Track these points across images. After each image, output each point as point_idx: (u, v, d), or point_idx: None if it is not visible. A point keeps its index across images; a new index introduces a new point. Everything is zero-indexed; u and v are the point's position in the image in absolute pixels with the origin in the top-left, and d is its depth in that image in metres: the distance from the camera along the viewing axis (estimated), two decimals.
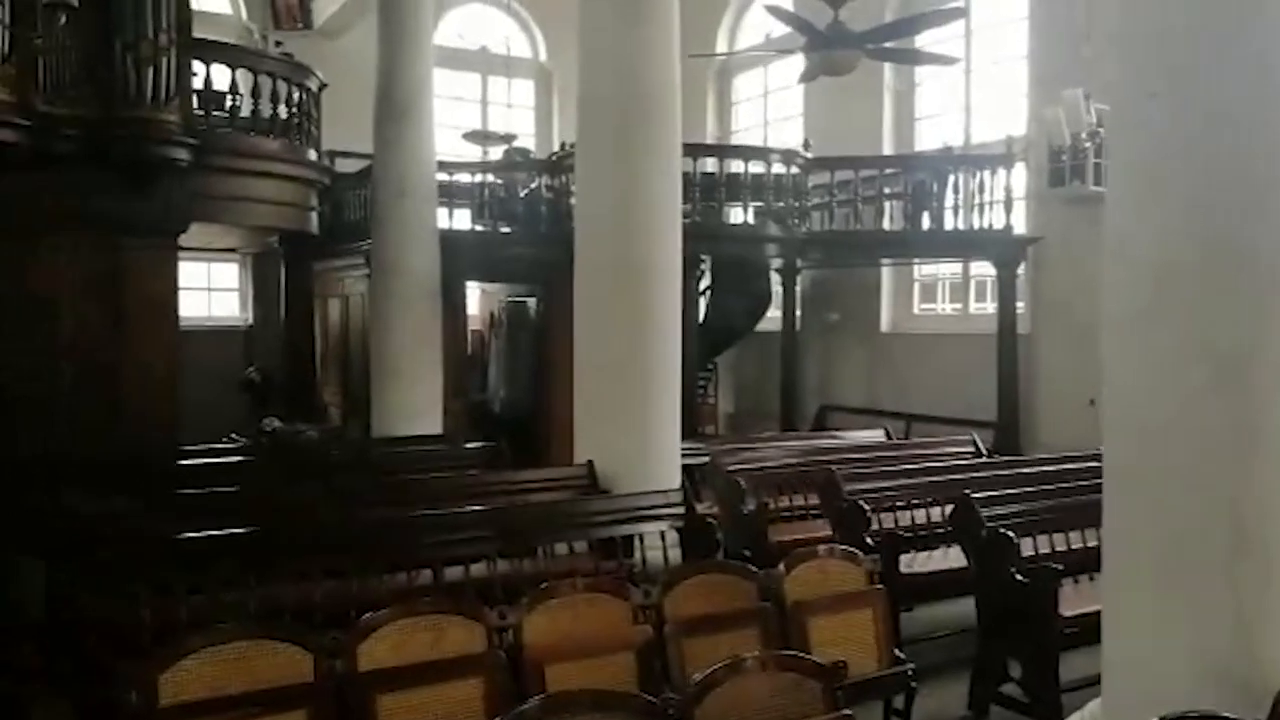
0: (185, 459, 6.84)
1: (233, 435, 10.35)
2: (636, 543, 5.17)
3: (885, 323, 11.60)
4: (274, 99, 8.72)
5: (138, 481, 5.65)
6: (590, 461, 5.72)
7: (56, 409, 7.70)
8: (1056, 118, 8.50)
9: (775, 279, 11.54)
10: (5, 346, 7.51)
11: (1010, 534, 4.55)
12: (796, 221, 9.78)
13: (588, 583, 3.59)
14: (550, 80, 14.34)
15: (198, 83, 8.11)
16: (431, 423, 9.20)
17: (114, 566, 3.91)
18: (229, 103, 8.45)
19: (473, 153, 11.97)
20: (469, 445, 6.98)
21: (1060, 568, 4.42)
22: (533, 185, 10.21)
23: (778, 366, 11.81)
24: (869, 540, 5.20)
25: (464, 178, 10.45)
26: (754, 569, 3.95)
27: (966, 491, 5.03)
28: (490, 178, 10.41)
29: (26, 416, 7.61)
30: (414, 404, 9.19)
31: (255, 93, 8.60)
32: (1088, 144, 8.40)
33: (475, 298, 12.29)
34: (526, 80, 14.39)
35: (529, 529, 4.72)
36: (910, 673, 3.92)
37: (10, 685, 5.26)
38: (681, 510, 4.99)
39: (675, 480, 5.95)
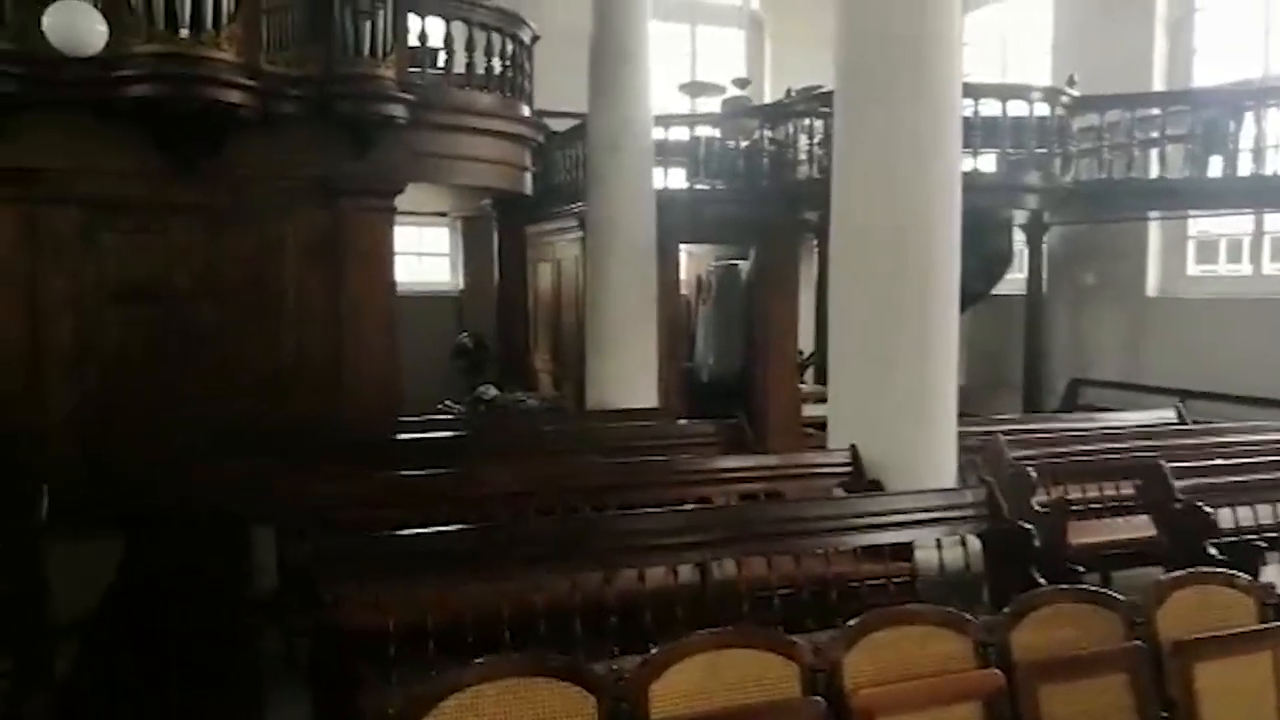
0: (403, 432, 6.49)
1: (446, 402, 10.20)
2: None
3: (1152, 286, 10.15)
4: (488, 52, 8.31)
5: (359, 456, 5.28)
6: (853, 447, 4.93)
7: (280, 377, 7.62)
8: None
9: (1017, 236, 10.33)
10: (231, 313, 7.47)
11: None
12: (1060, 169, 8.54)
13: (913, 612, 2.84)
14: (762, 28, 13.44)
15: (412, 38, 7.79)
16: (645, 392, 8.65)
17: (341, 556, 3.44)
18: (443, 57, 8.11)
19: (684, 108, 11.30)
20: (703, 421, 6.30)
21: None
22: (753, 136, 9.42)
23: (1019, 335, 10.61)
24: (1212, 550, 4.22)
25: (678, 134, 9.80)
26: (1116, 596, 3.08)
27: None
28: (707, 131, 9.69)
29: (251, 383, 7.56)
30: (628, 372, 8.65)
31: (470, 46, 8.22)
32: None
33: (682, 261, 11.68)
34: (736, 29, 13.55)
35: (784, 530, 3.94)
36: None
37: (247, 663, 5.07)
38: (985, 511, 4.13)
39: (952, 469, 5.11)
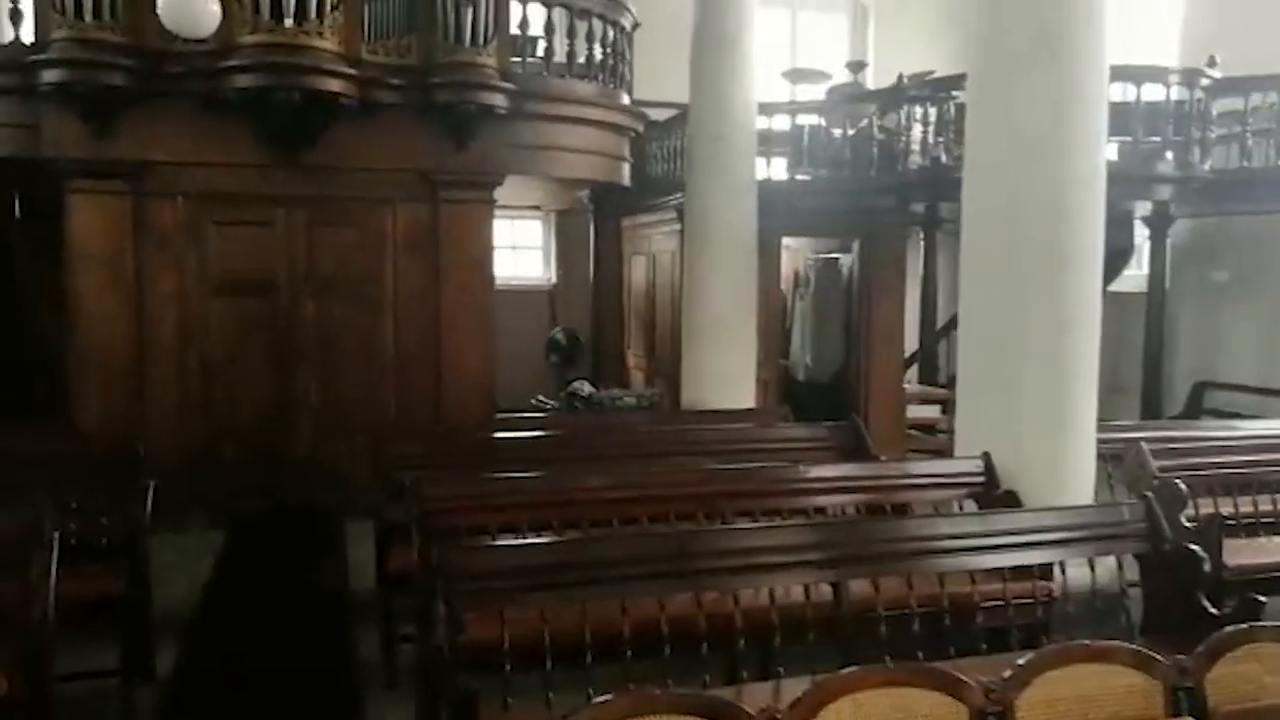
0: (500, 429, 6.31)
1: (540, 397, 10.08)
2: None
3: None
4: (589, 39, 8.11)
5: (458, 454, 5.12)
6: (986, 455, 4.57)
7: (380, 371, 7.56)
8: None
9: (1139, 229, 9.73)
10: (332, 307, 7.42)
11: None
12: (1199, 157, 7.95)
13: (1094, 649, 2.51)
14: (866, 14, 13.00)
15: (512, 26, 7.63)
16: (743, 391, 8.35)
17: (456, 567, 3.23)
18: (542, 45, 7.94)
19: (783, 96, 10.95)
20: (814, 424, 5.99)
21: None
22: (861, 124, 9.04)
23: (1137, 335, 9.99)
24: None
25: (779, 123, 9.47)
26: None
27: None
28: (810, 119, 9.34)
29: (350, 377, 7.51)
30: (726, 370, 8.36)
31: (571, 33, 8.04)
32: None
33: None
34: (838, 15, 13.14)
35: (922, 548, 3.60)
36: None
37: (346, 666, 4.96)
38: (1141, 530, 3.75)
39: (1090, 479, 4.71)
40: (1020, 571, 3.81)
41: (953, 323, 12.39)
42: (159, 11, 5.60)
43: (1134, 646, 2.54)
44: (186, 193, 7.09)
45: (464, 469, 5.01)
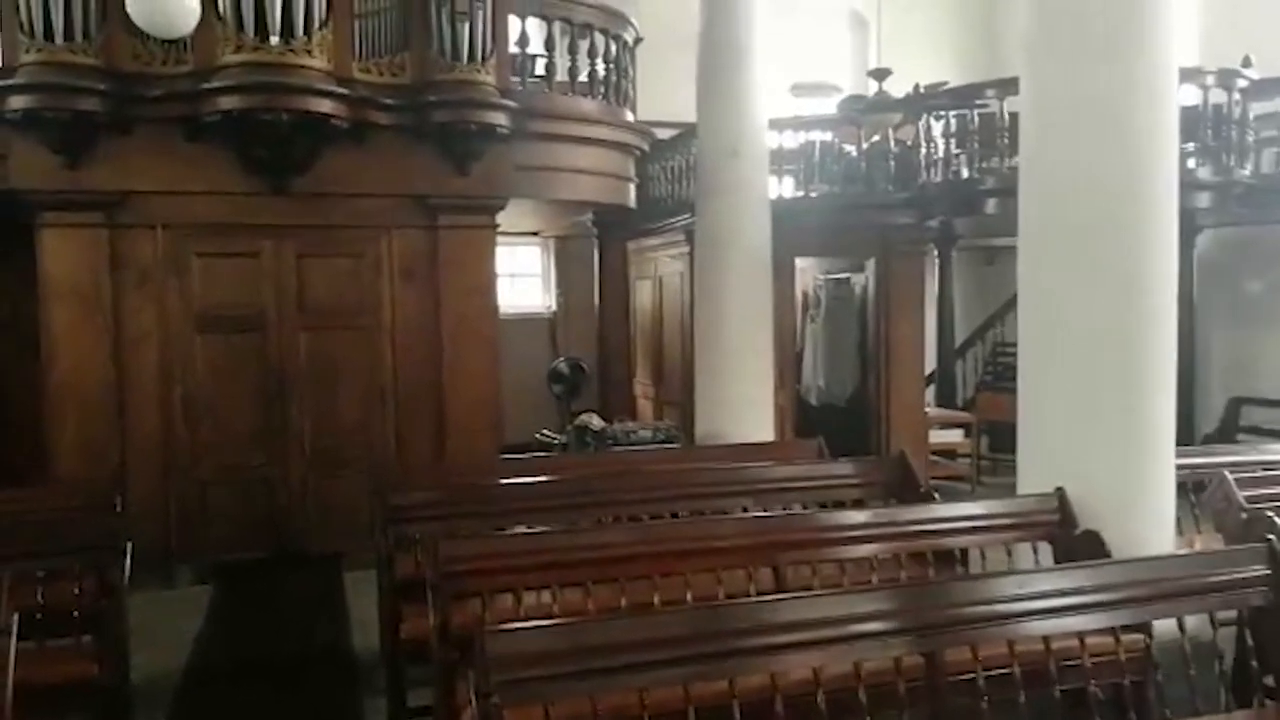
0: (508, 470, 5.83)
1: (545, 431, 9.61)
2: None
3: None
4: (591, 54, 7.72)
5: (467, 500, 4.63)
6: (1061, 491, 4.12)
7: (379, 408, 7.10)
8: None
9: None
10: (325, 340, 6.97)
11: None
12: (1234, 162, 7.57)
13: None
14: (866, 29, 12.66)
15: (511, 43, 7.23)
16: (763, 420, 7.92)
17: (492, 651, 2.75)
18: (543, 62, 7.54)
19: (788, 112, 10.58)
20: (857, 460, 5.54)
21: None
22: (874, 138, 8.65)
23: None
24: None
25: (789, 139, 9.10)
26: None
27: None
28: (821, 135, 8.96)
29: (347, 414, 7.05)
30: (744, 398, 7.90)
31: (572, 48, 7.65)
32: None
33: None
34: (835, 28, 12.81)
35: (1012, 611, 3.07)
36: None
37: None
38: (1265, 578, 3.29)
39: (1171, 515, 4.26)
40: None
41: (969, 342, 12.07)
42: (128, 9, 5.01)
43: None
44: (167, 224, 6.64)
45: (476, 519, 4.56)
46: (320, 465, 7.02)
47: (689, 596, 3.56)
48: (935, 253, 10.35)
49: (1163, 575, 3.26)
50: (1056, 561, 4.04)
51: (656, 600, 3.51)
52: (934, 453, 9.82)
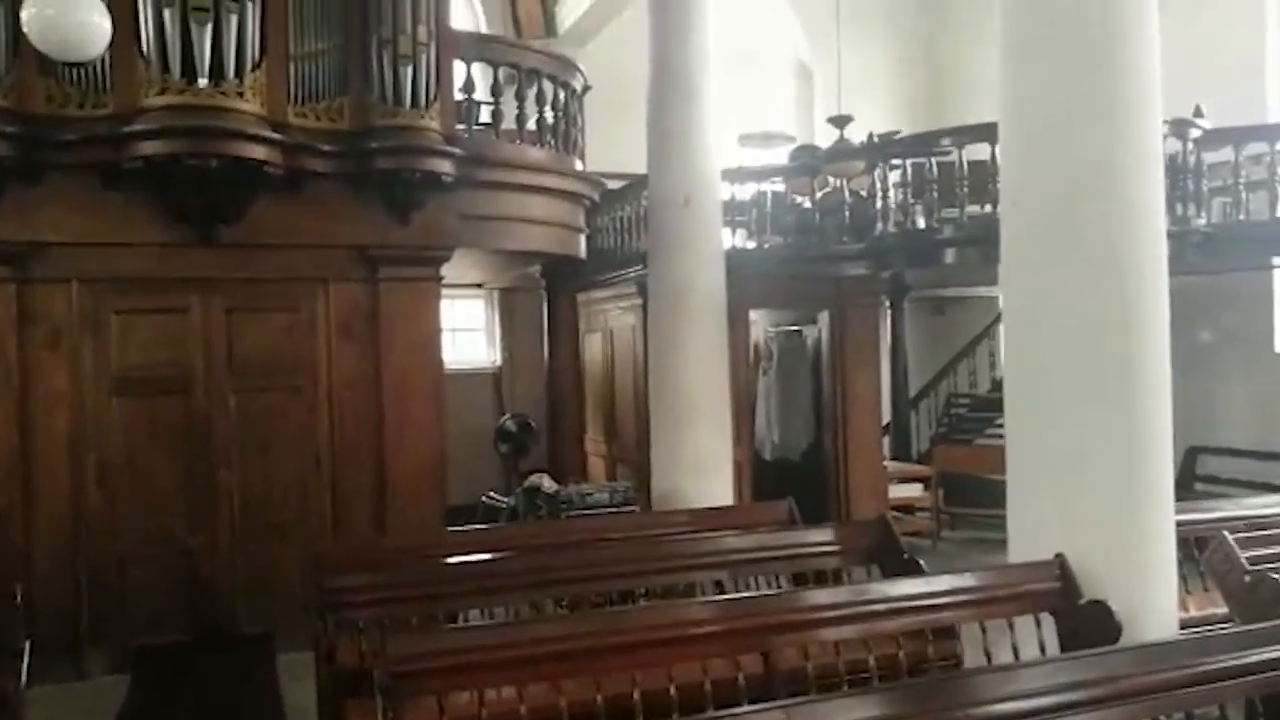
0: (457, 547, 5.31)
1: (491, 493, 9.15)
2: None
3: None
4: (539, 101, 7.44)
5: (412, 584, 4.19)
6: (1061, 559, 3.84)
7: (314, 475, 6.62)
8: None
9: None
10: (257, 403, 6.49)
11: None
12: (1194, 211, 7.54)
13: None
14: (811, 79, 12.68)
15: (456, 84, 6.93)
16: (722, 478, 7.60)
17: None
18: (489, 107, 7.24)
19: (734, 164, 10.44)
20: (838, 525, 5.23)
21: None
22: (826, 189, 8.51)
23: None
24: None
25: (742, 191, 8.91)
26: None
27: None
28: (772, 185, 8.79)
29: (280, 484, 6.56)
30: (702, 456, 7.56)
31: (520, 95, 7.37)
32: None
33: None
34: (783, 81, 12.78)
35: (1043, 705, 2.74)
36: None
37: None
38: None
39: (1173, 579, 4.02)
40: None
41: (923, 393, 11.95)
42: (25, 29, 4.37)
43: None
44: (83, 278, 6.13)
45: (424, 601, 4.13)
46: (250, 536, 6.50)
47: (673, 690, 3.18)
48: (887, 304, 10.22)
49: (1192, 661, 2.98)
50: (1061, 635, 3.76)
51: (636, 695, 3.12)
52: (897, 509, 9.58)
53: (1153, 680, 2.90)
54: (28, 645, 3.72)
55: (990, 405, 11.00)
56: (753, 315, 10.30)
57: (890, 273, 9.50)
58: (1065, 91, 3.89)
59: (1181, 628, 4.01)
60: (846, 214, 8.29)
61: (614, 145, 8.80)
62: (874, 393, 9.16)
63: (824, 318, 9.47)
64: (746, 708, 2.43)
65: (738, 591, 4.48)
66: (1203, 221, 7.56)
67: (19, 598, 4.11)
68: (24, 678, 3.63)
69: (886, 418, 10.55)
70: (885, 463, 9.80)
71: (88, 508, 6.16)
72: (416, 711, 3.06)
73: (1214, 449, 9.19)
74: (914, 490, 9.82)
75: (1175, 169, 7.22)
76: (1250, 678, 2.97)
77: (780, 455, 10.45)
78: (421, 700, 3.08)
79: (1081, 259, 3.95)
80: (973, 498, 9.86)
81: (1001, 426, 10.92)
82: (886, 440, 10.74)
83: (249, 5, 5.90)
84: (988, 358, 11.77)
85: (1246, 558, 4.22)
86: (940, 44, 12.78)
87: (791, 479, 9.71)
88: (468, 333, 11.49)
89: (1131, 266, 3.99)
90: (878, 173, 7.88)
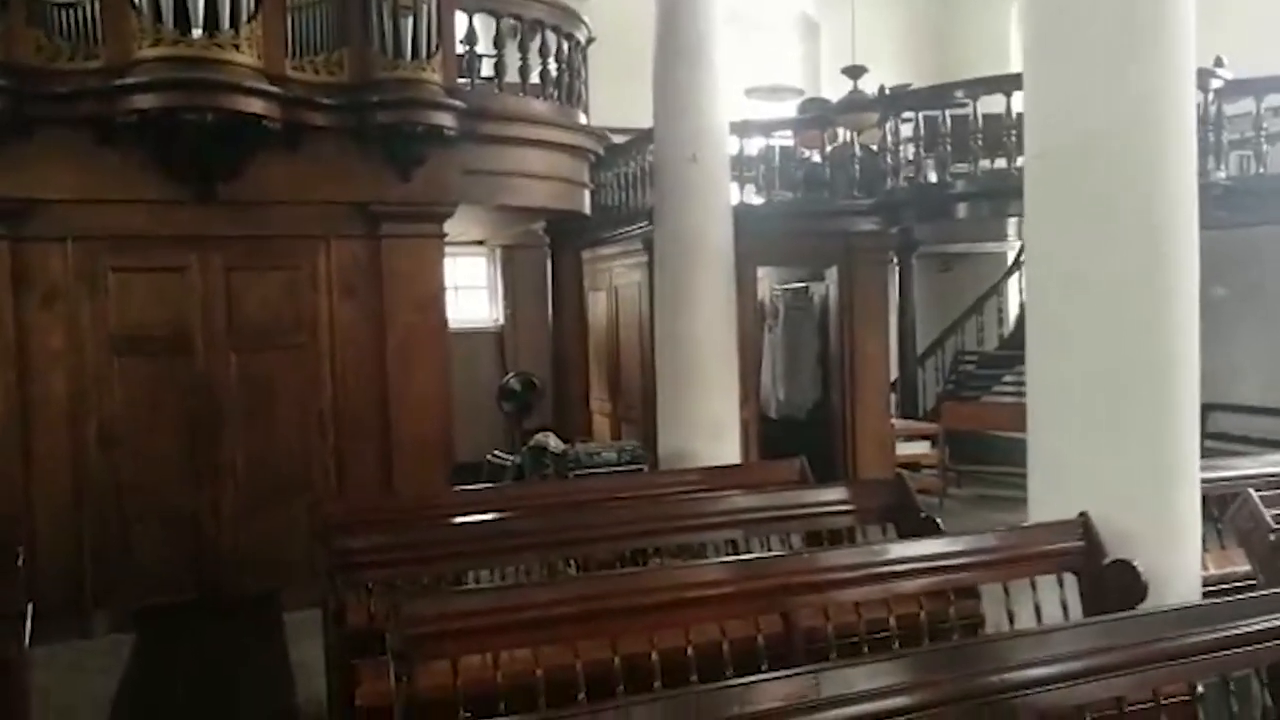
0: (466, 506, 5.21)
1: (496, 452, 9.06)
2: None
3: None
4: (542, 53, 7.26)
5: (422, 545, 4.11)
6: (1085, 517, 3.76)
7: (316, 435, 6.54)
8: None
9: None
10: (257, 362, 6.39)
11: None
12: (1214, 164, 7.38)
13: None
14: (818, 33, 12.42)
15: (458, 36, 6.75)
16: (731, 437, 7.52)
17: None
18: (492, 59, 7.07)
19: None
20: (849, 484, 5.16)
21: None
22: (836, 142, 8.33)
23: None
24: None
25: (750, 145, 8.73)
26: None
27: None
28: (779, 139, 8.61)
29: (282, 443, 6.48)
30: (711, 415, 7.47)
31: (522, 46, 7.18)
32: None
33: None
34: (788, 36, 12.52)
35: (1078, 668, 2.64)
36: None
37: None
38: None
39: (1197, 541, 3.93)
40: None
41: (930, 351, 11.85)
42: None
43: None
44: (79, 236, 6.01)
45: (434, 563, 4.06)
46: (254, 497, 6.43)
47: (690, 650, 3.11)
48: (895, 260, 10.08)
49: (1212, 623, 2.90)
50: (1084, 595, 3.69)
51: (654, 656, 3.05)
52: (904, 465, 9.52)
53: (1191, 643, 2.83)
54: (30, 608, 3.64)
55: (998, 362, 10.90)
56: (759, 272, 10.19)
57: (899, 228, 9.35)
58: (1095, 42, 3.75)
59: (1202, 586, 3.95)
60: (856, 168, 8.13)
61: (618, 100, 8.61)
62: (882, 350, 9.06)
63: (832, 274, 9.34)
64: (776, 673, 2.34)
65: (751, 551, 4.41)
66: (1222, 175, 7.41)
67: (20, 560, 4.04)
68: (27, 640, 3.56)
69: (893, 375, 10.45)
70: (892, 420, 9.72)
71: (89, 469, 6.09)
72: (430, 674, 2.99)
73: (1227, 405, 9.09)
74: (921, 447, 9.76)
75: (1196, 121, 7.04)
76: None
77: (786, 414, 10.38)
78: (435, 663, 3.01)
79: (1109, 213, 3.81)
80: (980, 455, 9.80)
81: (1009, 383, 10.89)
82: (893, 398, 10.66)
83: None
84: (995, 314, 11.64)
85: (1272, 515, 4.14)
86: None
87: (797, 437, 9.60)
88: (470, 290, 11.35)
89: (1163, 222, 3.84)
90: (889, 126, 7.71)
